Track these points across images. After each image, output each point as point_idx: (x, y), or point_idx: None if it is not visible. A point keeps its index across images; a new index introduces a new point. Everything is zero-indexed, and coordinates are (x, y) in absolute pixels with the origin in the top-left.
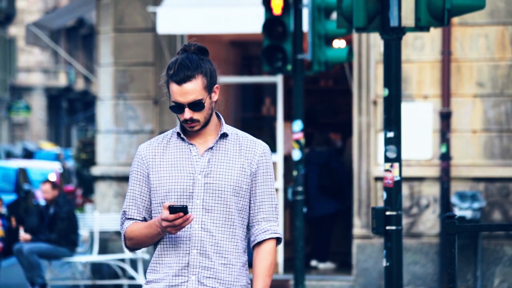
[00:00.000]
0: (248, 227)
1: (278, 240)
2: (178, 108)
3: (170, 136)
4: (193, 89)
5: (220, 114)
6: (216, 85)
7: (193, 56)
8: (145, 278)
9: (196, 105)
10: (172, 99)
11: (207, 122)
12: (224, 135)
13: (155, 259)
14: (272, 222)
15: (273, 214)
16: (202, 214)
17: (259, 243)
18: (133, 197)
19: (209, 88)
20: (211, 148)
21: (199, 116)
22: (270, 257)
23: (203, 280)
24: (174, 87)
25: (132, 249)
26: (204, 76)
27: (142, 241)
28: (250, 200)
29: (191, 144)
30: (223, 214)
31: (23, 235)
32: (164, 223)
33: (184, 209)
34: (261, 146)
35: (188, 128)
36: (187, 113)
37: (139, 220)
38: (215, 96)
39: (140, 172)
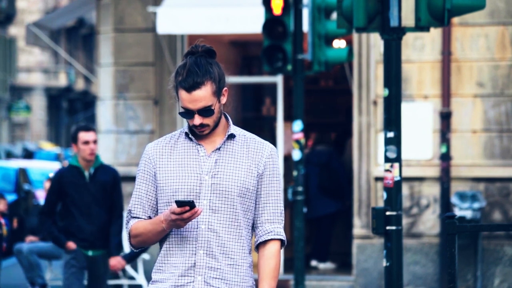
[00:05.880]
0: (253, 228)
1: (282, 242)
2: (187, 114)
3: (178, 136)
4: (202, 96)
5: (227, 115)
6: (225, 88)
7: (202, 60)
8: (147, 278)
9: (206, 111)
10: (181, 105)
11: (216, 125)
12: (231, 136)
13: (161, 259)
14: (276, 224)
15: (277, 216)
16: (208, 215)
17: (263, 244)
18: (139, 196)
19: (218, 93)
20: (219, 149)
21: (208, 121)
22: (275, 259)
23: (209, 281)
24: (183, 94)
25: (137, 247)
26: (213, 82)
27: (147, 238)
28: (255, 201)
29: (199, 144)
30: (229, 215)
31: (30, 237)
32: (173, 216)
33: (190, 203)
34: (269, 148)
35: (198, 132)
36: (197, 119)
37: (144, 219)
38: (223, 99)
39: (147, 171)
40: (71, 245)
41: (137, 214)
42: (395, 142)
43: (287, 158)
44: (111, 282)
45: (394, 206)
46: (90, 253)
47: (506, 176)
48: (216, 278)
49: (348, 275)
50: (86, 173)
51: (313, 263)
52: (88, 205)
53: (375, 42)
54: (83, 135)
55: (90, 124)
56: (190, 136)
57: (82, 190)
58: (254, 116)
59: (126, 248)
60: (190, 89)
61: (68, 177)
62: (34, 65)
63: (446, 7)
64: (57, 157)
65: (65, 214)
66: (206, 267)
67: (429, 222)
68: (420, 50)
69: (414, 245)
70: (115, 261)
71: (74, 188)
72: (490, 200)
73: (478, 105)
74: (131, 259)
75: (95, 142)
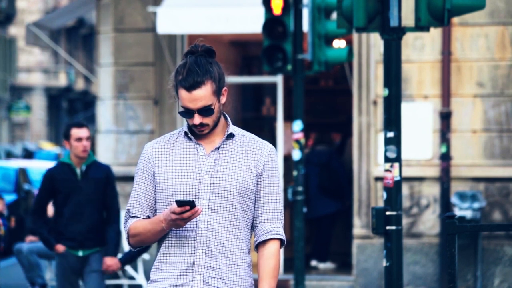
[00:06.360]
0: (253, 228)
1: (281, 241)
2: (187, 113)
3: (177, 135)
4: (202, 95)
5: (227, 115)
6: (225, 88)
7: (202, 59)
8: (146, 278)
9: (206, 111)
10: (181, 104)
11: (215, 125)
12: (230, 136)
13: (160, 258)
14: (275, 223)
15: (277, 215)
16: (208, 214)
17: (262, 244)
18: (138, 196)
19: (218, 93)
20: (218, 148)
21: (208, 120)
22: (274, 259)
23: (208, 280)
24: (183, 93)
25: (135, 246)
26: (213, 81)
27: (146, 237)
28: (254, 201)
29: (198, 144)
30: (228, 215)
31: (30, 237)
32: (173, 216)
33: (191, 203)
34: (268, 147)
35: (198, 131)
36: (197, 119)
37: (143, 218)
38: (223, 99)
39: (145, 171)
40: (60, 247)
41: (136, 214)
42: (395, 142)
43: (287, 158)
44: (111, 282)
45: (394, 206)
46: (80, 253)
47: (506, 176)
48: (215, 277)
49: (348, 275)
50: (78, 170)
51: (313, 263)
52: (80, 203)
53: (375, 42)
54: (76, 132)
55: (82, 121)
56: (189, 135)
57: (74, 188)
58: (254, 116)
59: (126, 247)
60: (190, 88)
61: (59, 174)
62: (34, 65)
63: (446, 7)
64: (57, 157)
65: (56, 213)
66: (205, 266)
67: (429, 222)
68: (420, 50)
69: (414, 245)
70: (112, 261)
71: (66, 185)
72: (490, 200)
73: (478, 105)
74: (128, 261)
75: (88, 138)
